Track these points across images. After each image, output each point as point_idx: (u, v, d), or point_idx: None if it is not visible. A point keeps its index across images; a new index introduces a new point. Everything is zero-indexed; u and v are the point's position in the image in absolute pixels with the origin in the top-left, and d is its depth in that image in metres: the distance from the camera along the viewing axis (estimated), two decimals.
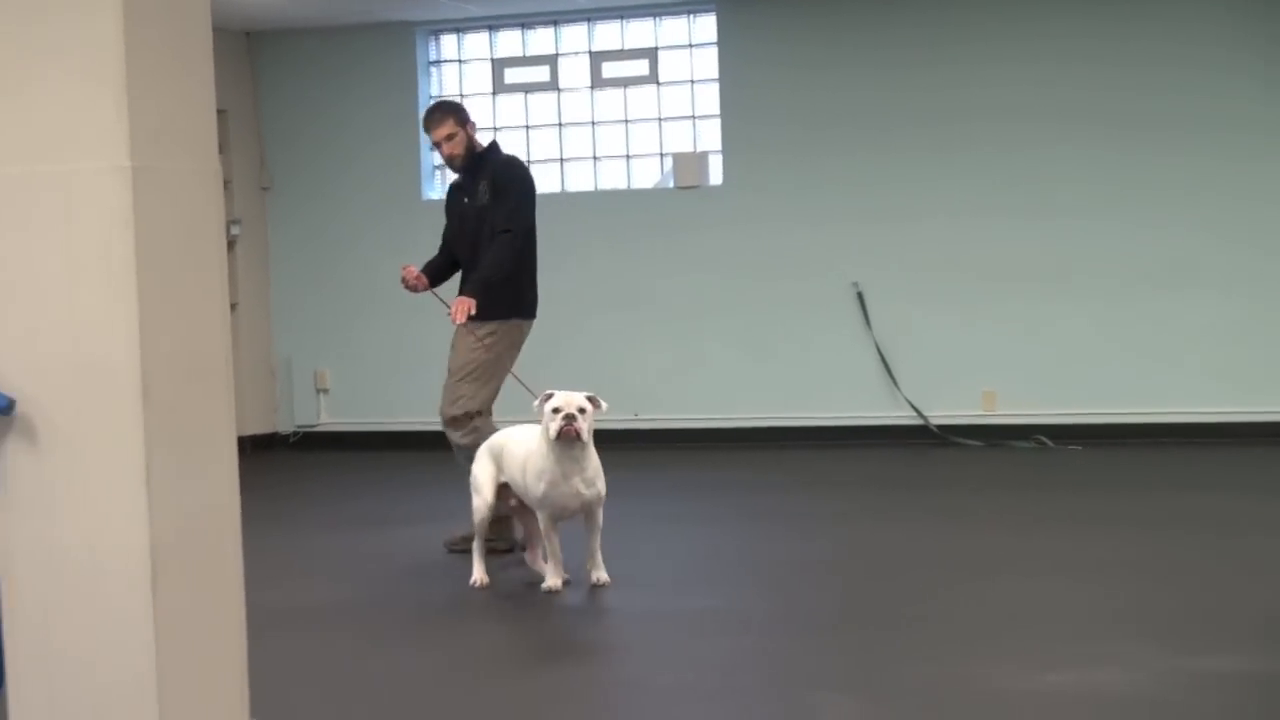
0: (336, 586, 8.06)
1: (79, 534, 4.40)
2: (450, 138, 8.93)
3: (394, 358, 14.22)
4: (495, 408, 9.01)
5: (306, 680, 6.24)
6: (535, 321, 9.31)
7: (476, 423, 8.74)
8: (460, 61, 14.35)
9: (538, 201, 9.21)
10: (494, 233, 8.88)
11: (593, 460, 7.74)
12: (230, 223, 13.70)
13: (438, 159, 14.33)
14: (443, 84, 14.38)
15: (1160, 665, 5.93)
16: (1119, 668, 5.92)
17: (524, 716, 5.74)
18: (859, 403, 13.13)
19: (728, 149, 13.52)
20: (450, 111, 9.06)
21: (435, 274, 9.20)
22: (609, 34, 13.97)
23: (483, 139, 9.18)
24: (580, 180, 14.07)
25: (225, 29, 13.74)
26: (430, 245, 14.02)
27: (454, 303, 8.68)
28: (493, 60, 14.24)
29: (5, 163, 4.43)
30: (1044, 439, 12.53)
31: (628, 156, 13.96)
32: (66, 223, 4.37)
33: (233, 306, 13.75)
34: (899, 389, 12.98)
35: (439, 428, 14.35)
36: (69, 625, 4.44)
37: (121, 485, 4.35)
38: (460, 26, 14.19)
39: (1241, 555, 8.16)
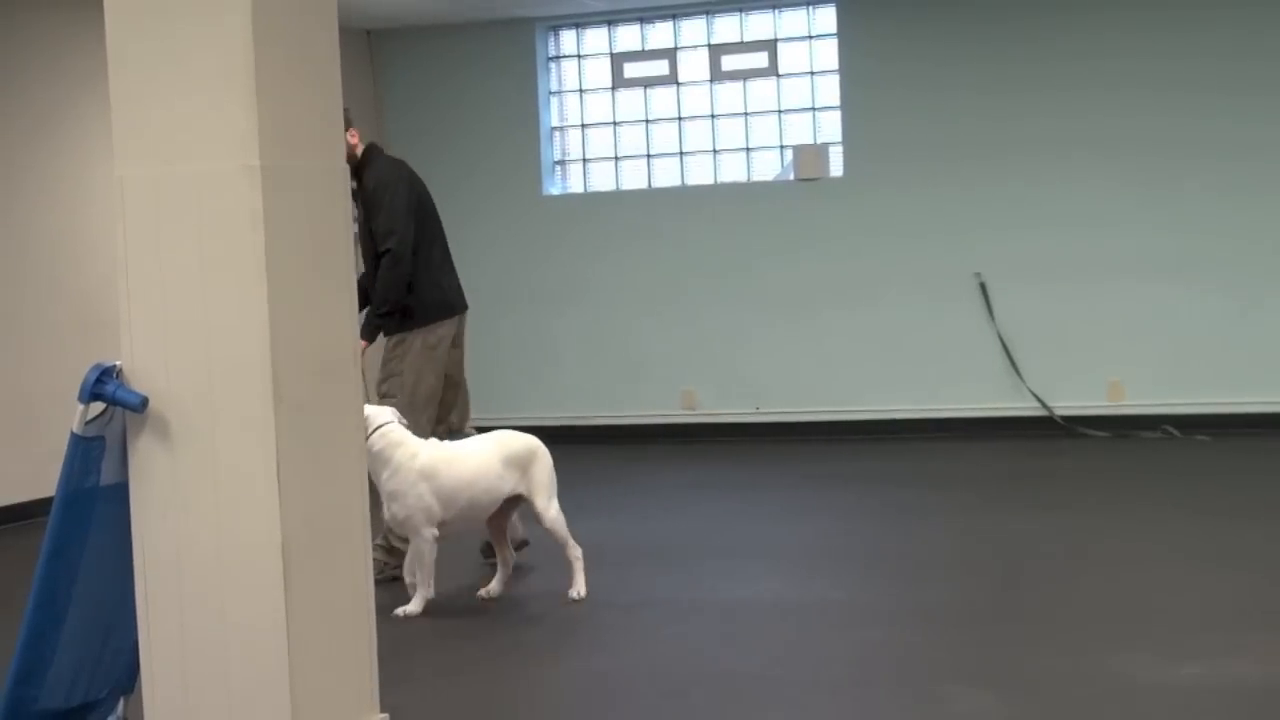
0: (461, 581, 8.11)
1: (212, 529, 4.46)
2: None
3: (515, 353, 14.27)
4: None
5: (435, 674, 6.28)
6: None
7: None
8: (579, 57, 14.39)
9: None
10: (377, 253, 8.30)
11: (386, 483, 7.38)
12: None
13: (557, 154, 14.39)
14: (562, 79, 14.42)
15: None
16: (1253, 659, 5.84)
17: (661, 708, 5.75)
18: (982, 394, 13.03)
19: (848, 141, 13.46)
20: None
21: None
22: (728, 27, 13.95)
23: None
24: (700, 174, 14.06)
25: (346, 27, 13.80)
26: (550, 241, 14.17)
27: None
28: (612, 55, 14.26)
29: (138, 164, 4.49)
30: (1172, 429, 12.38)
31: (748, 149, 13.94)
32: (198, 222, 4.43)
33: None
34: (1023, 380, 12.87)
35: (563, 422, 14.46)
36: (202, 618, 4.50)
37: (253, 480, 4.41)
38: (579, 22, 14.22)
39: None
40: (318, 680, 4.52)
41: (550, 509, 7.58)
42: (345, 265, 4.76)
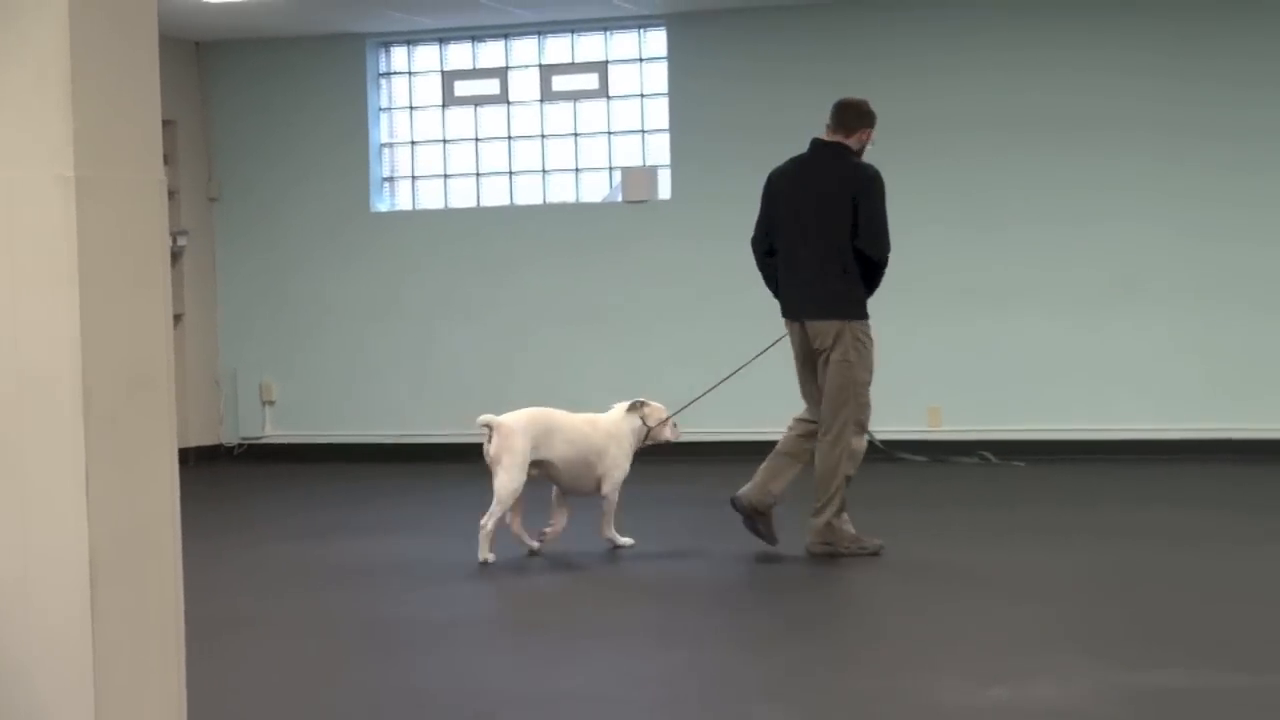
0: (277, 598, 8.05)
1: (18, 544, 4.39)
2: None
3: (341, 370, 14.21)
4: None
5: (245, 693, 6.22)
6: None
7: None
8: (410, 74, 14.37)
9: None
10: None
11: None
12: (177, 234, 13.66)
13: (386, 170, 14.35)
14: (392, 96, 14.38)
15: (1096, 680, 5.96)
16: (1055, 682, 5.95)
17: None
18: None
19: (676, 163, 13.56)
20: None
21: None
22: (559, 47, 14.00)
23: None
24: (529, 194, 14.09)
25: (174, 39, 13.72)
26: (378, 258, 14.12)
27: None
28: (443, 73, 14.25)
29: None
30: (988, 455, 12.60)
31: (577, 170, 13.99)
32: (8, 232, 4.36)
33: (178, 318, 13.72)
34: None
35: (386, 440, 14.40)
36: (6, 635, 4.42)
37: (61, 496, 4.34)
38: (411, 38, 14.20)
39: (1181, 570, 8.24)
40: (124, 699, 4.47)
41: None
42: (161, 278, 4.70)
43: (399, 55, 14.38)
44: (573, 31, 13.92)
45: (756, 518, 8.81)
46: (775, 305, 13.19)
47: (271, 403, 14.42)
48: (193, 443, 13.85)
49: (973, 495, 11.15)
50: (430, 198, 14.37)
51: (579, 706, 5.91)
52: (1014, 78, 12.87)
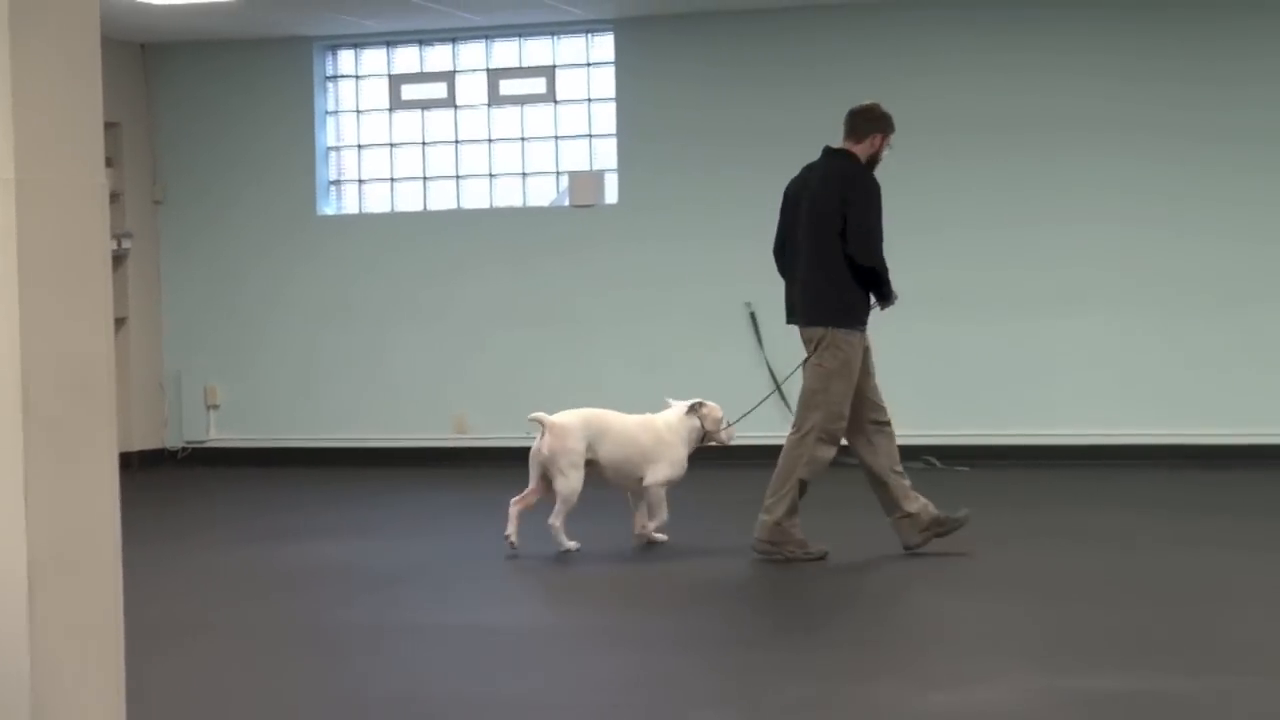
0: (223, 603, 8.01)
1: None
2: None
3: (287, 374, 14.16)
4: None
5: (190, 698, 6.20)
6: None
7: None
8: (357, 77, 14.33)
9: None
10: None
11: None
12: (121, 237, 13.58)
13: (333, 174, 14.30)
14: (339, 99, 14.34)
15: (1036, 685, 5.99)
16: (996, 687, 5.97)
17: None
18: (751, 421, 13.14)
19: (624, 168, 13.57)
20: None
21: None
22: (507, 52, 13.99)
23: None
24: (476, 198, 14.07)
25: (119, 40, 13.64)
26: (325, 262, 14.07)
27: None
28: (390, 76, 14.22)
29: None
30: (933, 460, 12.63)
31: (524, 174, 13.98)
32: None
33: (122, 321, 13.64)
34: (790, 408, 13.01)
35: (332, 444, 14.34)
36: None
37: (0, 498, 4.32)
38: (358, 42, 14.17)
39: (1128, 573, 8.29)
40: (63, 704, 4.44)
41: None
42: (102, 281, 4.68)
43: (346, 59, 14.34)
44: (520, 36, 13.91)
45: (937, 530, 8.91)
46: (725, 308, 13.31)
47: (216, 406, 14.36)
48: (136, 447, 13.78)
49: None
50: (377, 201, 14.34)
51: (524, 712, 5.91)
52: (954, 78, 12.91)
